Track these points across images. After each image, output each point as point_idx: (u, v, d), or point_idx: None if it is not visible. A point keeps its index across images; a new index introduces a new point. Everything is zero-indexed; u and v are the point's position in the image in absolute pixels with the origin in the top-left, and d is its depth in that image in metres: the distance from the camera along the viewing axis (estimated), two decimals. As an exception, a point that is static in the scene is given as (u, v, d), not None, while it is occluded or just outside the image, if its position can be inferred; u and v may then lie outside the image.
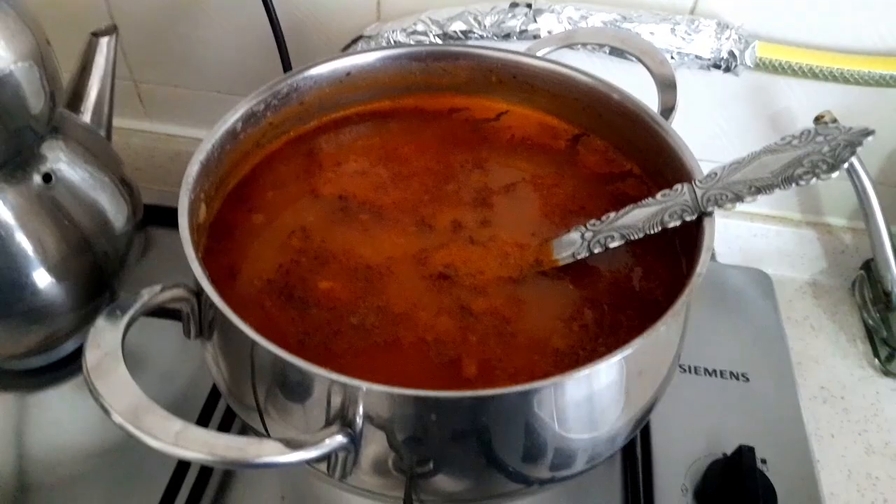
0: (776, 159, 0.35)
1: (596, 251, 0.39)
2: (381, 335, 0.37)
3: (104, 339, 0.31)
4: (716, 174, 0.37)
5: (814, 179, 0.33)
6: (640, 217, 0.38)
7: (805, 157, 0.34)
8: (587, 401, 0.33)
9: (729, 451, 0.47)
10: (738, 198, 0.35)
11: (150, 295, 0.34)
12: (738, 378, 0.53)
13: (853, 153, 0.33)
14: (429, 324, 0.37)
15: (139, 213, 0.50)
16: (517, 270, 0.40)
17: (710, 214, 0.36)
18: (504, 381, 0.35)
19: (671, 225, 0.37)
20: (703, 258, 0.34)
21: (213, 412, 0.48)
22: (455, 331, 0.37)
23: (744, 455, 0.45)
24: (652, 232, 0.38)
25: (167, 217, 0.57)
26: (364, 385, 0.30)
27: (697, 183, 0.37)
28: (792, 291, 0.64)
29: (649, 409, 0.37)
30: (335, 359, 0.36)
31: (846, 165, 0.33)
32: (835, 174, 0.33)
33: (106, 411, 0.29)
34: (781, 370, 0.54)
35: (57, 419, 0.50)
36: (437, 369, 0.36)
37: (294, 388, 0.32)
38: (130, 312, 0.33)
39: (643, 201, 0.39)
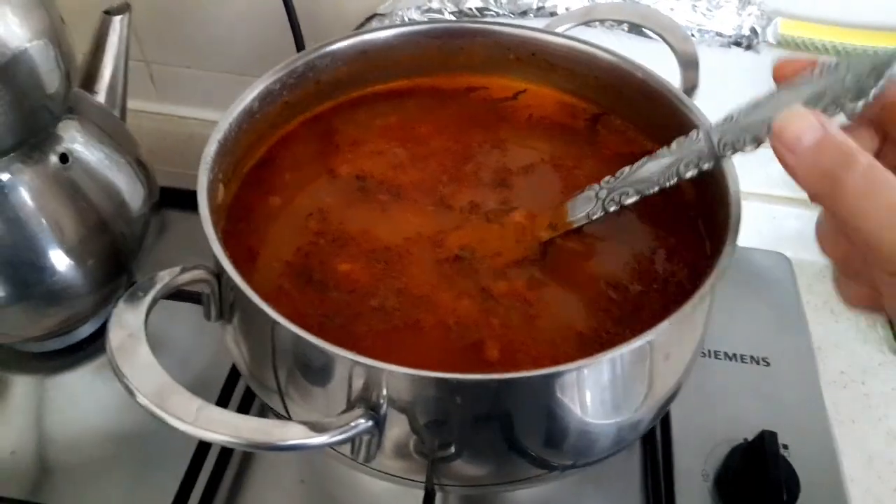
0: (796, 94, 0.30)
1: (611, 209, 0.37)
2: (402, 318, 0.36)
3: (127, 321, 0.31)
4: (732, 117, 0.33)
5: (840, 114, 0.29)
6: (654, 170, 0.36)
7: (827, 90, 0.29)
8: (611, 385, 0.32)
9: (750, 437, 0.47)
10: (757, 140, 0.31)
11: (170, 276, 0.34)
12: (758, 363, 0.53)
13: (880, 78, 0.27)
14: (450, 307, 0.37)
15: (155, 195, 0.50)
16: (534, 246, 0.39)
17: (726, 158, 0.34)
18: (527, 364, 0.34)
19: (688, 175, 0.34)
20: (732, 238, 0.34)
21: (231, 394, 0.48)
22: (477, 314, 0.37)
23: (766, 440, 0.44)
24: (668, 184, 0.35)
25: (181, 199, 0.58)
26: (387, 367, 0.29)
27: (712, 127, 0.34)
28: (812, 275, 0.63)
29: (674, 395, 0.37)
30: (356, 341, 0.35)
31: (876, 91, 0.28)
32: (861, 105, 0.28)
33: (130, 392, 0.29)
34: (802, 355, 0.54)
35: (76, 401, 0.50)
36: (459, 352, 0.35)
37: (316, 370, 0.32)
38: (152, 294, 0.33)
39: (656, 152, 0.36)
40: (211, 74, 0.68)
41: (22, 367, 0.52)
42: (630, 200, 0.37)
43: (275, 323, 0.31)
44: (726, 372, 0.52)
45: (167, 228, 0.59)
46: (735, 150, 0.33)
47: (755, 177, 0.63)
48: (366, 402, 0.30)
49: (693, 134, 0.35)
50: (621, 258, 0.40)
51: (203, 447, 0.45)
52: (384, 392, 0.30)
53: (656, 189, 0.36)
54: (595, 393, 0.32)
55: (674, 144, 0.36)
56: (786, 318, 0.56)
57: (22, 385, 0.51)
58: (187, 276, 0.35)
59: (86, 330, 0.52)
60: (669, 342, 0.33)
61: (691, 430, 0.48)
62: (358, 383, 0.31)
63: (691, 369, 0.37)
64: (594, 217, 0.38)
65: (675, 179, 0.35)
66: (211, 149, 0.38)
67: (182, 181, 0.52)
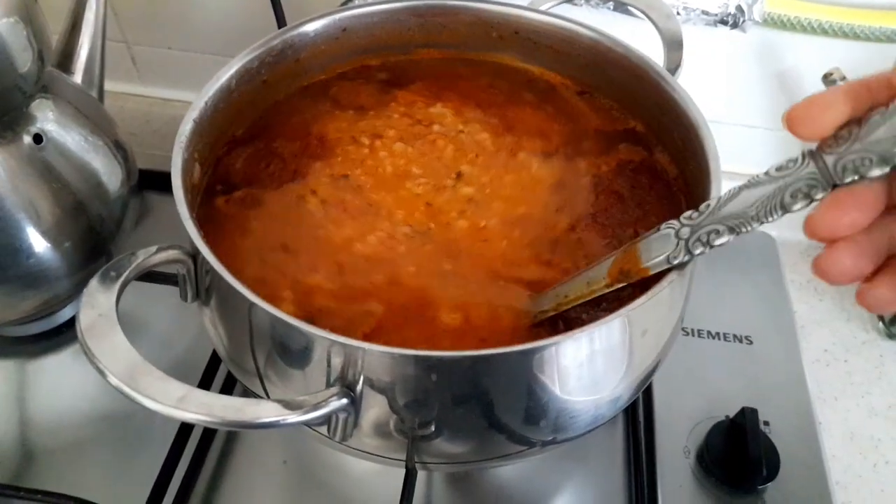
0: None
1: (697, 252, 0.30)
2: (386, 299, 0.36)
3: (98, 301, 0.31)
4: (850, 133, 0.26)
5: None
6: (750, 201, 0.29)
7: None
8: (589, 361, 0.32)
9: (732, 414, 0.47)
10: (886, 161, 0.25)
11: (144, 256, 0.34)
12: (741, 341, 0.53)
13: None
14: (435, 290, 0.37)
15: (134, 177, 0.50)
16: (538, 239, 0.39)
17: (845, 185, 0.25)
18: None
19: (796, 207, 0.28)
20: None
21: (213, 377, 0.48)
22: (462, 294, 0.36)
23: (747, 417, 0.45)
24: (769, 220, 0.29)
25: (163, 182, 0.56)
26: (363, 345, 0.29)
27: (826, 149, 0.26)
28: (796, 254, 0.63)
29: (652, 371, 0.37)
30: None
31: None
32: None
33: (101, 373, 0.28)
34: (785, 333, 0.54)
35: (57, 385, 0.50)
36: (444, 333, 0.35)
37: (293, 351, 0.32)
38: (125, 274, 0.32)
39: (752, 179, 0.29)
40: (194, 56, 0.67)
41: (2, 351, 0.51)
42: (721, 241, 0.30)
43: (251, 304, 0.31)
44: (709, 350, 0.52)
45: (149, 211, 0.59)
46: (859, 176, 0.25)
47: (741, 156, 0.63)
48: (342, 380, 0.30)
49: (799, 158, 0.28)
50: (604, 237, 0.39)
51: (185, 429, 0.45)
52: (360, 370, 0.30)
53: (755, 225, 0.29)
54: (573, 369, 0.32)
55: (773, 170, 0.28)
56: (769, 297, 0.56)
57: (2, 370, 0.51)
58: (163, 256, 0.34)
59: (65, 314, 0.51)
60: (646, 319, 0.33)
61: (674, 408, 0.48)
62: (336, 362, 0.30)
63: (671, 346, 0.37)
64: (675, 262, 0.31)
65: (780, 213, 0.28)
66: (186, 128, 0.37)
67: (164, 164, 0.51)
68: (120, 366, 0.28)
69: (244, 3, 0.61)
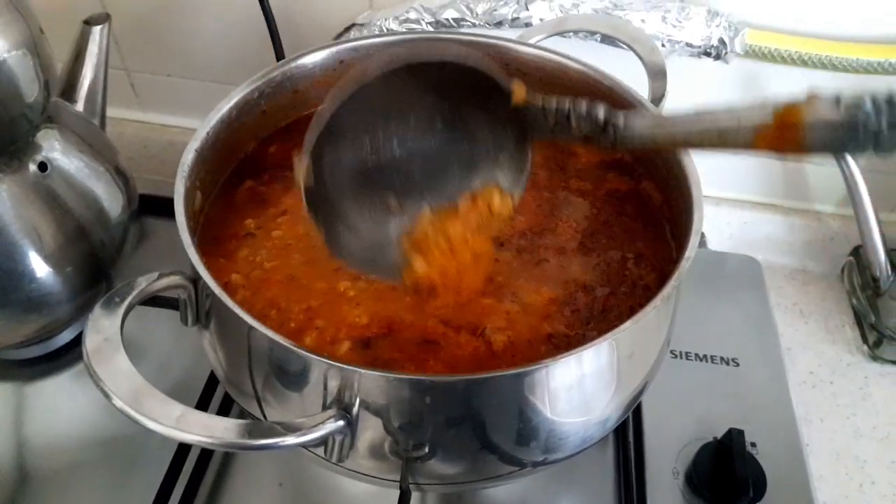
0: None
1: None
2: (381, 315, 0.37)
3: (103, 326, 0.32)
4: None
5: None
6: None
7: None
8: (578, 383, 0.34)
9: (719, 435, 0.48)
10: None
11: (147, 282, 0.35)
12: (728, 363, 0.54)
13: None
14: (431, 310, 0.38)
15: (134, 203, 0.51)
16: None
17: None
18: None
19: None
20: (692, 242, 0.35)
21: (210, 400, 0.49)
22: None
23: (734, 438, 0.46)
24: None
25: (161, 207, 0.58)
26: (360, 370, 0.30)
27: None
28: (781, 278, 0.65)
29: (640, 392, 0.38)
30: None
31: None
32: None
33: (107, 396, 0.29)
34: (771, 355, 0.55)
35: (55, 408, 0.50)
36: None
37: (291, 374, 0.33)
38: (129, 299, 0.33)
39: None
40: (192, 83, 0.68)
41: (2, 374, 0.52)
42: None
43: (250, 328, 0.32)
44: (697, 372, 0.53)
45: (147, 236, 0.59)
46: None
47: (726, 182, 0.65)
48: (339, 403, 0.31)
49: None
50: (591, 261, 0.41)
51: (182, 451, 0.46)
52: (356, 393, 0.31)
53: None
54: (562, 391, 0.33)
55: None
56: (755, 320, 0.58)
57: (1, 392, 0.51)
58: (164, 282, 0.35)
59: (65, 337, 0.52)
60: (633, 341, 0.34)
61: (662, 429, 0.49)
62: (332, 386, 0.31)
63: (658, 367, 0.39)
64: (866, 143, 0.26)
65: None
66: (188, 157, 0.38)
67: (162, 189, 0.53)
68: (124, 388, 0.29)
69: (239, 33, 0.63)
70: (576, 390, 0.33)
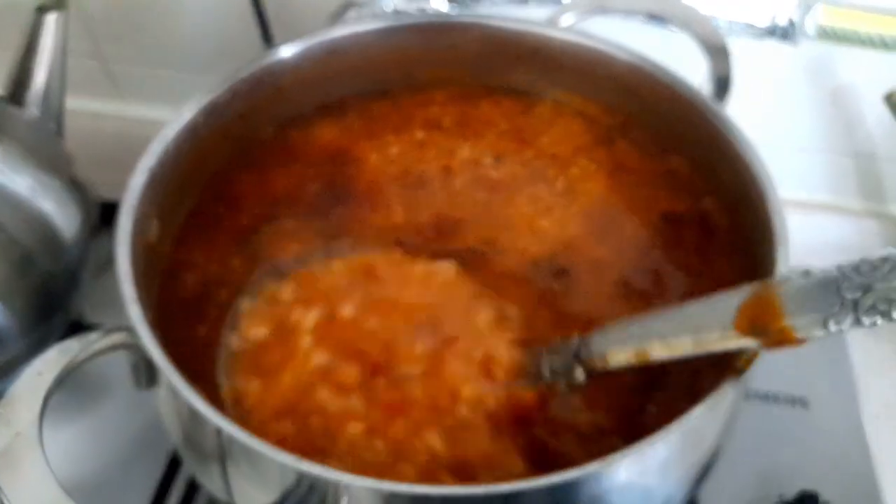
0: None
1: (868, 323, 0.23)
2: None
3: (17, 415, 0.25)
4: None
5: None
6: None
7: None
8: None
9: (786, 494, 0.40)
10: None
11: (81, 346, 0.28)
12: (794, 404, 0.46)
13: None
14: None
15: (93, 217, 0.44)
16: None
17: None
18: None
19: None
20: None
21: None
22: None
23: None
24: None
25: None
26: (344, 478, 0.23)
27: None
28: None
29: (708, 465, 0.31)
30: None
31: None
32: None
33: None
34: (844, 392, 0.47)
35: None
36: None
37: (264, 475, 0.25)
38: (56, 373, 0.26)
39: None
40: (175, 73, 0.62)
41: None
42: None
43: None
44: (758, 416, 0.45)
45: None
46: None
47: (788, 181, 0.56)
48: None
49: None
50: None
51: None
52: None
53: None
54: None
55: None
56: (823, 345, 0.49)
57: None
58: (107, 342, 0.28)
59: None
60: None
61: (719, 492, 0.41)
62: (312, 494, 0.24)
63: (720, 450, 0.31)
64: (833, 329, 0.23)
65: None
66: (138, 181, 0.31)
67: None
68: (34, 506, 0.22)
69: (226, 15, 0.56)
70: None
